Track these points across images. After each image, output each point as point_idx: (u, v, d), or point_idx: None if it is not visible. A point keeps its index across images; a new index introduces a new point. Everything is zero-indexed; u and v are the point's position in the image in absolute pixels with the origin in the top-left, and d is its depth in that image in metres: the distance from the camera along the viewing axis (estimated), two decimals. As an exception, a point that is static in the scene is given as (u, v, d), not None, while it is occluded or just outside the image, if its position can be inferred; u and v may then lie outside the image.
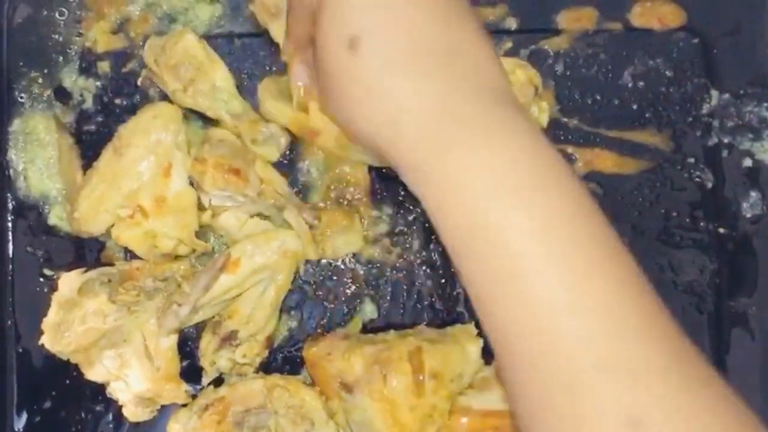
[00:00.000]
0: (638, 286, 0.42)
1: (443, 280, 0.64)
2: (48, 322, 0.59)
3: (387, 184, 0.64)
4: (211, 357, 0.61)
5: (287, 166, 0.64)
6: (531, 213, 0.40)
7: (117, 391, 0.60)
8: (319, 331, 0.64)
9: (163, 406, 0.62)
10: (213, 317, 0.62)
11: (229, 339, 0.60)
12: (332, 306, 0.64)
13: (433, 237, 0.64)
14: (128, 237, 0.59)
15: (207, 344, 0.61)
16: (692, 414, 0.39)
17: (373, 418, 0.57)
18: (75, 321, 0.58)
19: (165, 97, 0.63)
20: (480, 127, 0.42)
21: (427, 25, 0.43)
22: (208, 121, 0.63)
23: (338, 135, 0.59)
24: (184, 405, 0.61)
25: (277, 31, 0.61)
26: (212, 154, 0.59)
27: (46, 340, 0.59)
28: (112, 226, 0.60)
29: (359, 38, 0.42)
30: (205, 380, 0.62)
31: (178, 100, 0.62)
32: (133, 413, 0.61)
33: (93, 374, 0.60)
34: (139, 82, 0.65)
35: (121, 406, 0.62)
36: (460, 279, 0.43)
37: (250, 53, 0.64)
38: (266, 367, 0.63)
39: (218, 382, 0.62)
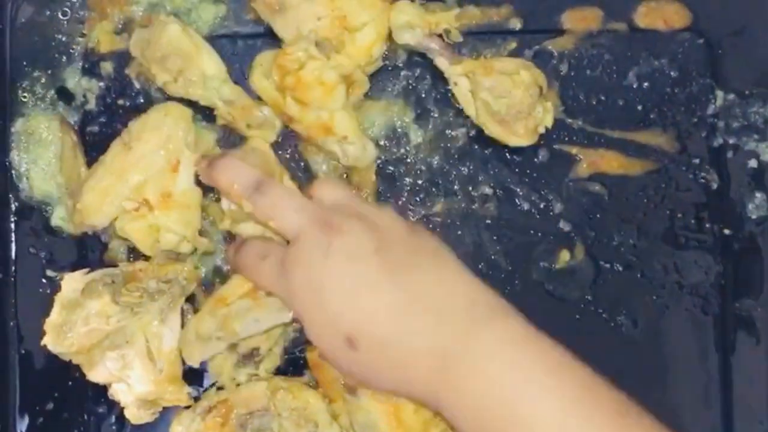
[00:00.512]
0: None
1: (447, 282, 0.64)
2: (50, 323, 0.58)
3: (391, 185, 0.64)
4: (231, 374, 0.60)
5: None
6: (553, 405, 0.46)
7: (119, 393, 0.60)
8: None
9: (164, 408, 0.62)
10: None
11: (252, 356, 0.60)
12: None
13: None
14: (132, 228, 0.59)
15: (223, 361, 0.60)
16: None
17: (377, 419, 0.57)
18: (78, 322, 0.58)
19: (170, 98, 0.63)
20: (476, 344, 0.48)
21: (391, 298, 0.49)
22: (211, 119, 0.63)
23: (311, 125, 0.60)
24: (187, 407, 0.61)
25: (281, 27, 0.61)
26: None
27: (48, 341, 0.58)
28: (115, 219, 0.59)
29: (353, 337, 0.49)
30: (207, 382, 0.62)
31: (170, 92, 0.61)
32: (134, 415, 0.60)
33: (95, 375, 0.60)
34: (127, 71, 0.64)
35: (123, 408, 0.61)
36: None
37: (254, 53, 0.63)
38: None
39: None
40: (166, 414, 0.62)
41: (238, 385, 0.60)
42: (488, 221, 0.65)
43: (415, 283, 0.49)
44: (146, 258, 0.62)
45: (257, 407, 0.59)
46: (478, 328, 0.48)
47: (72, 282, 0.59)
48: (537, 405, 0.46)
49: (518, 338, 0.49)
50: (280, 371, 0.63)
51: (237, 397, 0.60)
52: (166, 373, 0.60)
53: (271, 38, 0.63)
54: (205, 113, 0.63)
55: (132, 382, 0.60)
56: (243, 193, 0.54)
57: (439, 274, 0.51)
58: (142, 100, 0.64)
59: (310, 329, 0.51)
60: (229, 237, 0.63)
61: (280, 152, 0.63)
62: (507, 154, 0.65)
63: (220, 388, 0.61)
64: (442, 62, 0.62)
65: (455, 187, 0.65)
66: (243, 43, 0.65)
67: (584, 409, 0.46)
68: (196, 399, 0.61)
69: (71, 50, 0.65)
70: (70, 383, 0.63)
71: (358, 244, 0.49)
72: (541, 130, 0.63)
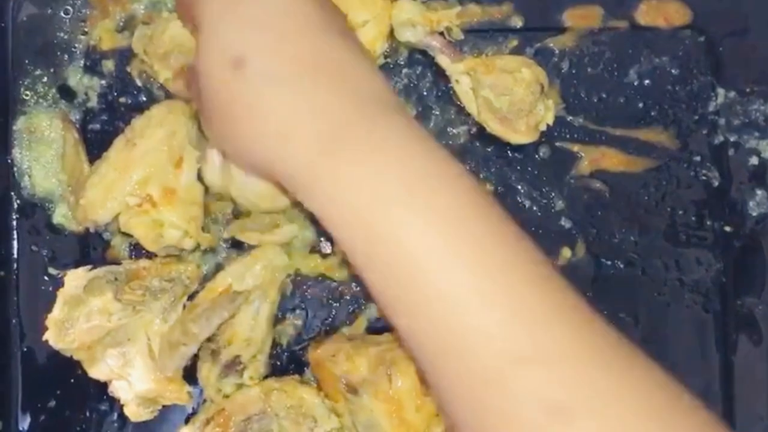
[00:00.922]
0: (544, 275, 0.42)
1: (448, 279, 0.64)
2: (52, 319, 0.58)
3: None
4: (216, 385, 0.60)
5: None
6: (427, 216, 0.41)
7: (119, 390, 0.60)
8: (323, 330, 0.64)
9: (165, 407, 0.62)
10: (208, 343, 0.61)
11: (233, 365, 0.60)
12: (337, 305, 0.64)
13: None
14: (136, 223, 0.58)
15: (208, 372, 0.60)
16: (615, 397, 0.39)
17: (379, 418, 0.57)
18: (80, 318, 0.58)
19: (172, 95, 0.63)
20: (367, 138, 0.42)
21: (309, 41, 0.44)
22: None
23: None
24: (186, 421, 0.62)
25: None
26: None
27: (50, 336, 0.58)
28: (118, 215, 0.60)
29: (242, 59, 0.43)
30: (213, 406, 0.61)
31: (172, 89, 0.62)
32: (134, 413, 0.60)
33: (96, 372, 0.60)
34: (129, 69, 0.64)
35: (123, 405, 0.61)
36: (369, 290, 0.43)
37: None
38: (271, 368, 0.63)
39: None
40: (168, 413, 0.62)
41: (225, 396, 0.60)
42: (489, 219, 0.65)
43: (330, 48, 0.44)
44: (149, 256, 0.62)
45: (254, 411, 0.59)
46: (374, 120, 0.43)
47: (75, 278, 0.59)
48: (409, 229, 0.40)
49: (407, 140, 0.43)
50: (281, 369, 0.63)
51: (233, 404, 0.60)
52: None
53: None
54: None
55: (133, 379, 0.60)
56: None
57: (355, 52, 0.45)
58: (144, 98, 0.65)
59: (201, 42, 0.45)
60: (232, 241, 0.63)
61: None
62: (508, 152, 0.65)
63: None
64: (443, 60, 0.62)
65: (456, 184, 0.65)
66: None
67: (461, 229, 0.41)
68: (194, 408, 0.62)
69: (73, 48, 0.65)
70: (72, 381, 0.63)
71: None
72: (543, 127, 0.63)
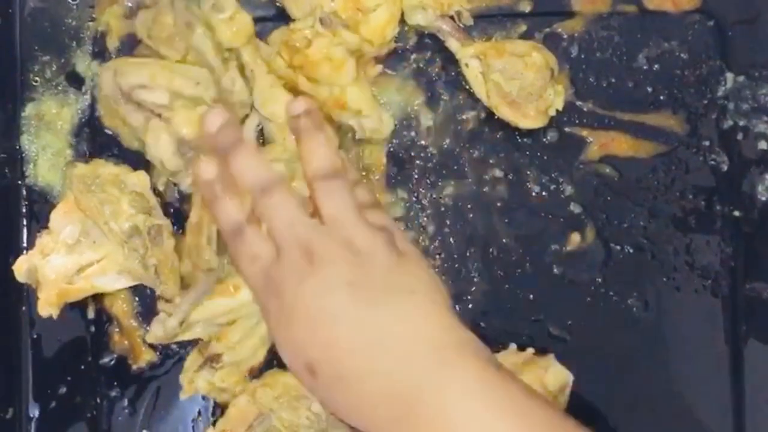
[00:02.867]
0: None
1: (457, 265, 0.64)
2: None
3: (402, 168, 0.64)
4: (192, 375, 0.60)
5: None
6: None
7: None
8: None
9: (172, 400, 0.62)
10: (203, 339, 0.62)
11: (213, 360, 0.60)
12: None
13: (447, 221, 0.64)
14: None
15: (192, 362, 0.61)
16: None
17: None
18: None
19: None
20: (436, 388, 0.46)
21: (353, 335, 0.47)
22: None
23: (325, 101, 0.60)
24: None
25: (294, 7, 0.61)
26: None
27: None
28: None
29: (313, 366, 0.47)
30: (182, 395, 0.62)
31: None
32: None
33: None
34: (135, 54, 0.64)
35: (135, 392, 0.62)
36: None
37: (265, 35, 0.63)
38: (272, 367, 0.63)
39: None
40: (180, 407, 0.63)
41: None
42: (499, 204, 0.65)
43: (379, 322, 0.47)
44: None
45: (252, 418, 0.60)
46: (441, 375, 0.46)
47: None
48: None
49: (484, 385, 0.46)
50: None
51: (231, 422, 0.60)
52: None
53: (282, 20, 0.63)
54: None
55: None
56: (251, 188, 0.51)
57: (406, 314, 0.48)
58: (152, 85, 0.64)
59: (279, 348, 0.50)
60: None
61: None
62: (517, 137, 0.65)
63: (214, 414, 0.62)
64: (453, 44, 0.62)
65: (466, 170, 0.65)
66: (258, 26, 0.63)
67: None
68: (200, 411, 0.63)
69: (81, 34, 0.65)
70: (82, 367, 0.63)
71: (333, 275, 0.48)
72: (552, 112, 0.63)
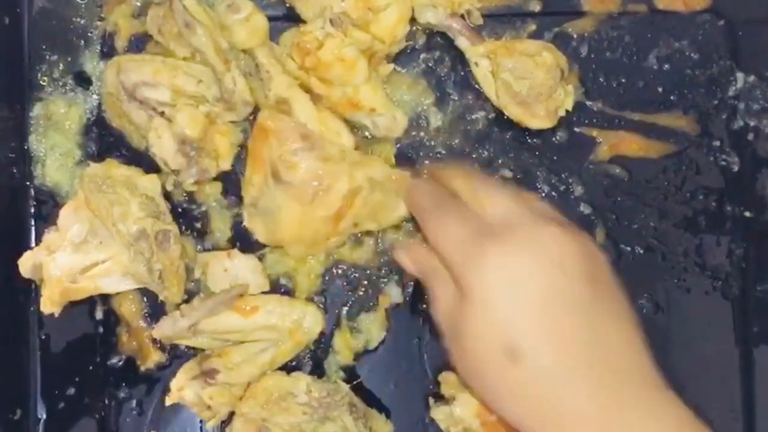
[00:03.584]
0: None
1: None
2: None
3: (411, 169, 0.64)
4: (183, 382, 0.60)
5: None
6: None
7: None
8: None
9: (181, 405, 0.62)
10: (206, 350, 0.61)
11: (207, 375, 0.60)
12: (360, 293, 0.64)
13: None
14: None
15: (187, 370, 0.61)
16: None
17: (281, 208, 0.58)
18: None
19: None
20: (639, 419, 0.44)
21: (581, 329, 0.45)
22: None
23: (339, 101, 0.60)
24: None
25: (304, 8, 0.61)
26: None
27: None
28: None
29: (518, 350, 0.44)
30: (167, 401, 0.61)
31: None
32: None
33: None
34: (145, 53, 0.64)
35: (143, 393, 0.62)
36: None
37: (275, 35, 0.63)
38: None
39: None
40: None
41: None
42: (508, 204, 0.64)
43: (599, 334, 0.46)
44: None
45: (255, 428, 0.59)
46: (642, 401, 0.45)
47: None
48: None
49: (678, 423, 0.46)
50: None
51: None
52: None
53: (292, 21, 0.63)
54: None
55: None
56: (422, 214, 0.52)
57: (625, 330, 0.47)
58: (160, 85, 0.64)
59: (466, 319, 0.47)
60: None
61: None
62: (527, 138, 0.64)
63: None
64: (463, 42, 0.62)
65: (475, 170, 0.64)
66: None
67: None
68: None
69: (89, 34, 0.65)
70: (90, 368, 0.63)
71: (569, 255, 0.46)
72: (562, 112, 0.62)
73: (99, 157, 0.64)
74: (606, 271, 0.49)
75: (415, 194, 0.56)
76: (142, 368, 0.64)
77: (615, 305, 0.48)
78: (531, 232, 0.47)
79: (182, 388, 0.60)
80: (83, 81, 0.64)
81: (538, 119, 0.62)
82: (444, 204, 0.53)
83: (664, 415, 0.45)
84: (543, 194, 0.64)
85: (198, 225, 0.64)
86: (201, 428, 0.63)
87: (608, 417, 0.44)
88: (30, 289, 0.63)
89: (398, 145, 0.64)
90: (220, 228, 0.64)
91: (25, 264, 0.60)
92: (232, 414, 0.61)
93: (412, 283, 0.63)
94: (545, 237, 0.47)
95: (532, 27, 0.65)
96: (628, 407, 0.45)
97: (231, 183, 0.63)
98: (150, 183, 0.60)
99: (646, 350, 0.48)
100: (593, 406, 0.45)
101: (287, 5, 0.64)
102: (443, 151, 0.64)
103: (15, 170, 0.64)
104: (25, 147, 0.64)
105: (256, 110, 0.62)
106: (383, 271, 0.64)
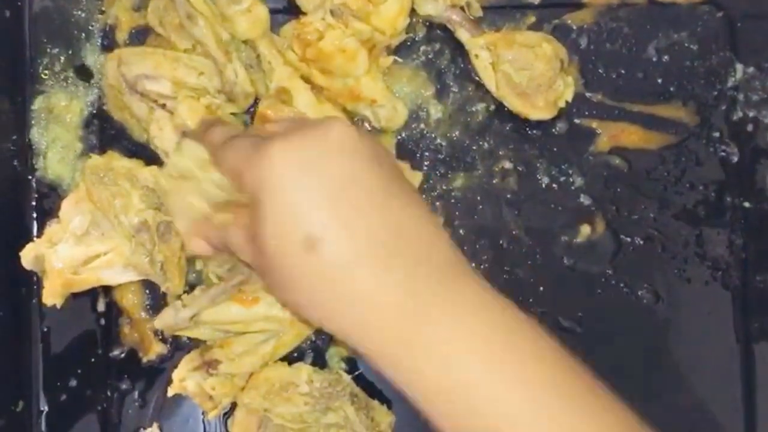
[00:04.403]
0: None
1: (466, 257, 0.64)
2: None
3: (411, 160, 0.64)
4: (185, 373, 0.60)
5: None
6: (505, 377, 0.43)
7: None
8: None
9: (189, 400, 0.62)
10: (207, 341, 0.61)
11: (209, 365, 0.60)
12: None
13: (457, 213, 0.64)
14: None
15: (189, 361, 0.61)
16: None
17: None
18: None
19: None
20: (445, 306, 0.44)
21: (379, 215, 0.44)
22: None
23: (340, 93, 0.60)
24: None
25: (304, 0, 0.61)
26: None
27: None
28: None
29: (315, 239, 0.43)
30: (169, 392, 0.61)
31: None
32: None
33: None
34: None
35: (146, 385, 0.62)
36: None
37: (275, 28, 0.63)
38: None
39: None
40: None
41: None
42: (508, 196, 0.64)
43: (399, 213, 0.45)
44: None
45: (256, 428, 0.60)
46: (450, 286, 0.45)
47: None
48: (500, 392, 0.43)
49: (487, 305, 0.45)
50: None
51: None
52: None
53: (292, 13, 0.62)
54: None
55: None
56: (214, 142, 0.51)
57: (420, 213, 0.46)
58: (161, 77, 0.64)
59: (265, 212, 0.45)
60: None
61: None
62: (527, 129, 0.65)
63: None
64: (463, 34, 0.62)
65: (475, 162, 0.65)
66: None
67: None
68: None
69: (90, 27, 0.65)
70: (92, 360, 0.63)
71: (358, 142, 0.45)
72: (562, 104, 0.62)
73: (100, 149, 0.64)
74: (392, 159, 0.50)
75: (208, 135, 0.54)
76: (144, 360, 0.64)
77: (406, 188, 0.47)
78: (316, 126, 0.46)
79: (184, 379, 0.60)
80: (84, 74, 0.65)
81: (538, 110, 0.62)
82: (234, 134, 0.52)
83: (462, 291, 0.45)
84: (543, 185, 0.64)
85: (199, 217, 0.64)
86: (203, 419, 0.64)
87: (406, 295, 0.44)
88: (32, 282, 0.64)
89: (399, 137, 0.64)
90: (222, 220, 0.64)
91: (27, 256, 0.60)
92: (234, 405, 0.61)
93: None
94: (331, 129, 0.46)
95: (532, 18, 0.65)
96: (425, 285, 0.44)
97: (232, 175, 0.64)
98: (151, 174, 0.60)
99: (443, 231, 0.47)
100: (390, 288, 0.44)
101: (287, -2, 0.64)
102: (443, 143, 0.64)
103: (17, 163, 0.64)
104: (27, 140, 0.64)
105: (257, 102, 0.62)
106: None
